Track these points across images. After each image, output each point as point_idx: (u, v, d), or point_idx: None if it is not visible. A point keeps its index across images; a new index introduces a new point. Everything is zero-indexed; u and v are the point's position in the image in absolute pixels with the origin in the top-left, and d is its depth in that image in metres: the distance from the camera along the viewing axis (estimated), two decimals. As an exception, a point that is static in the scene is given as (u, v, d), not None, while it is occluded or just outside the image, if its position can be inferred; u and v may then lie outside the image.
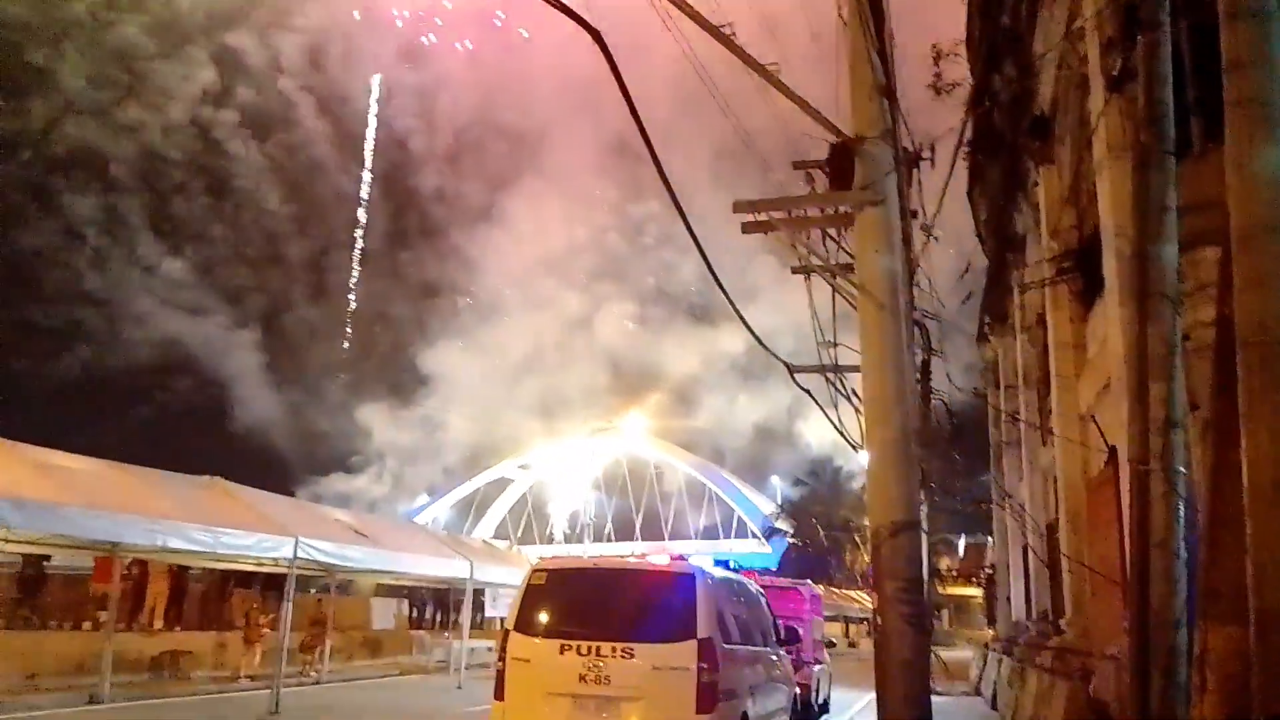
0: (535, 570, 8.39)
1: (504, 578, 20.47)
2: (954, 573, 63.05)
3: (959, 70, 14.51)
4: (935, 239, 10.78)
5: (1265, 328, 4.43)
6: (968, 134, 12.02)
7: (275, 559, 14.21)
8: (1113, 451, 7.97)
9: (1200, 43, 6.34)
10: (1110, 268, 7.41)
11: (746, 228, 7.82)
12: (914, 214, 11.65)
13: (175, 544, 12.56)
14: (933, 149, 10.41)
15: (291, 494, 35.67)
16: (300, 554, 13.79)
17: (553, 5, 6.25)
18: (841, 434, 10.12)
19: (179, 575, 20.29)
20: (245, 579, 21.25)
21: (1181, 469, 5.61)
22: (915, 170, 10.83)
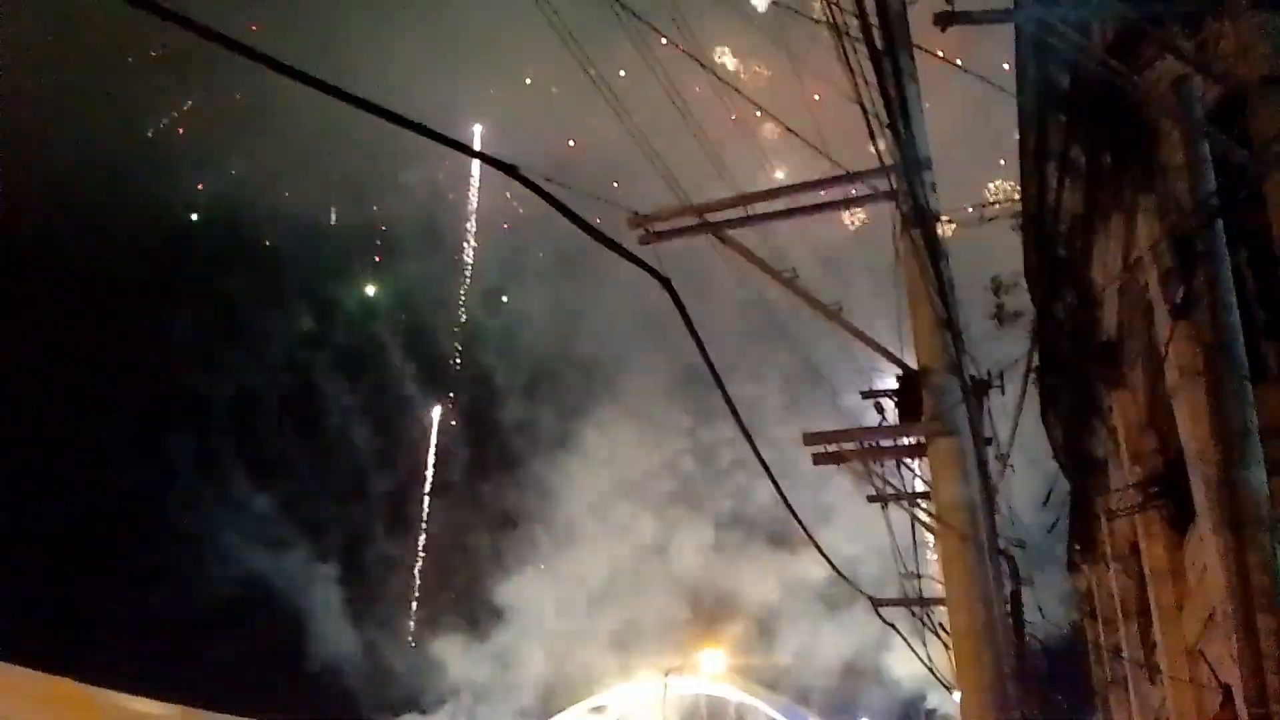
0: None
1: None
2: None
3: (1021, 299, 14.79)
4: (1012, 468, 10.60)
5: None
6: (1035, 361, 12.08)
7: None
8: (1227, 691, 7.39)
9: (1267, 265, 6.42)
10: (1199, 495, 7.16)
11: (818, 459, 7.82)
12: (988, 441, 11.54)
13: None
14: (1001, 377, 10.47)
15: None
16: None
17: (624, 256, 6.64)
18: (933, 673, 9.62)
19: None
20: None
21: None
22: (985, 398, 10.85)
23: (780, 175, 8.62)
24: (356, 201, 63.78)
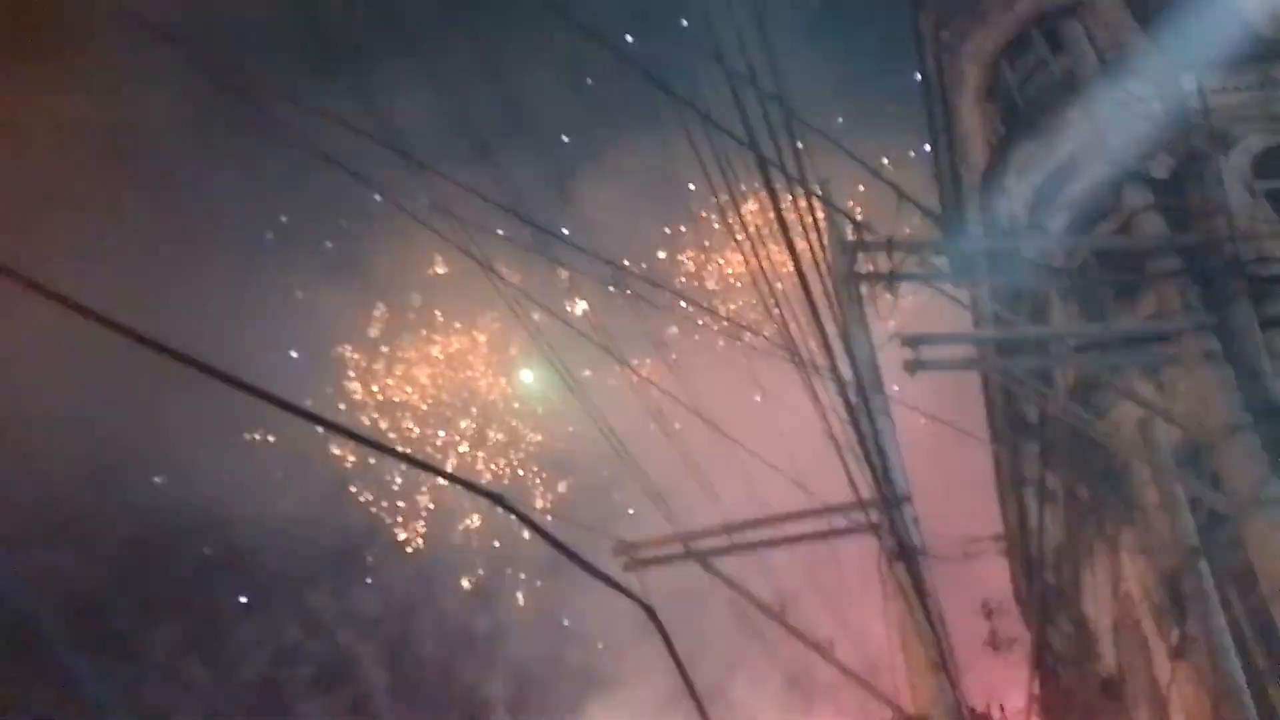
0: None
1: None
2: None
3: (1016, 624, 14.41)
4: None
5: None
6: (1036, 692, 11.59)
7: None
8: None
9: (1257, 611, 6.34)
10: None
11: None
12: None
13: None
14: (1002, 709, 9.99)
15: None
16: None
17: (608, 584, 6.54)
18: None
19: None
20: None
21: None
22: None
23: (770, 500, 8.71)
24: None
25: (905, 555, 6.24)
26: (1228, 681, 5.28)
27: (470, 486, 7.32)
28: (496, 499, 7.24)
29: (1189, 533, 5.73)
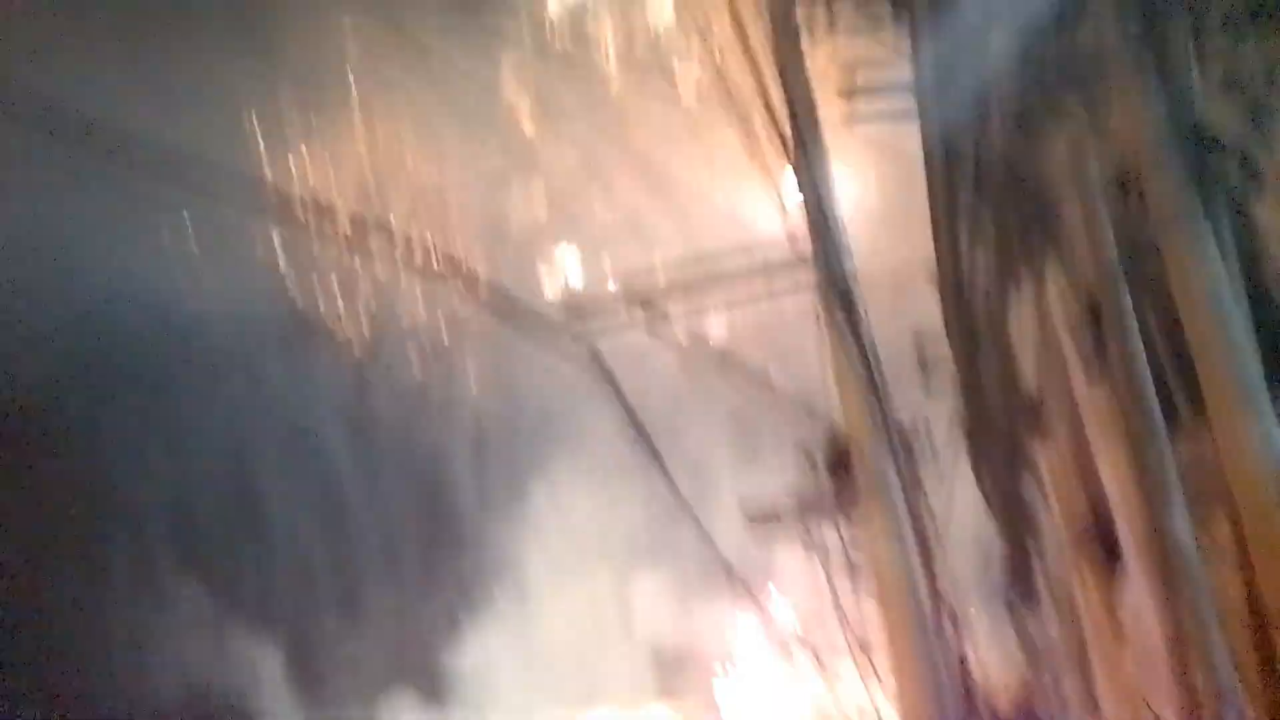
0: None
1: None
2: None
3: (945, 349, 15.11)
4: (941, 522, 10.78)
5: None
6: (961, 412, 12.35)
7: None
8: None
9: (1170, 316, 6.69)
10: (1127, 543, 7.38)
11: (752, 523, 7.92)
12: (920, 493, 11.70)
13: None
14: (930, 433, 10.66)
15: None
16: None
17: (552, 336, 6.69)
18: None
19: None
20: None
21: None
22: (912, 452, 11.02)
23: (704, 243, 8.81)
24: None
25: (838, 283, 6.43)
26: (1138, 390, 5.68)
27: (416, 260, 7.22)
28: (429, 250, 7.15)
29: (1111, 256, 5.95)
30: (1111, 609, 10.42)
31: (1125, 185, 5.95)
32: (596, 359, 6.77)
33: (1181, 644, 5.86)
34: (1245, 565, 5.01)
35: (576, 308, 7.64)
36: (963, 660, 14.89)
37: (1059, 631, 14.67)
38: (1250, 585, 5.04)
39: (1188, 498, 5.98)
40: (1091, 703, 12.82)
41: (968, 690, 15.14)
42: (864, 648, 9.74)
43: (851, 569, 9.13)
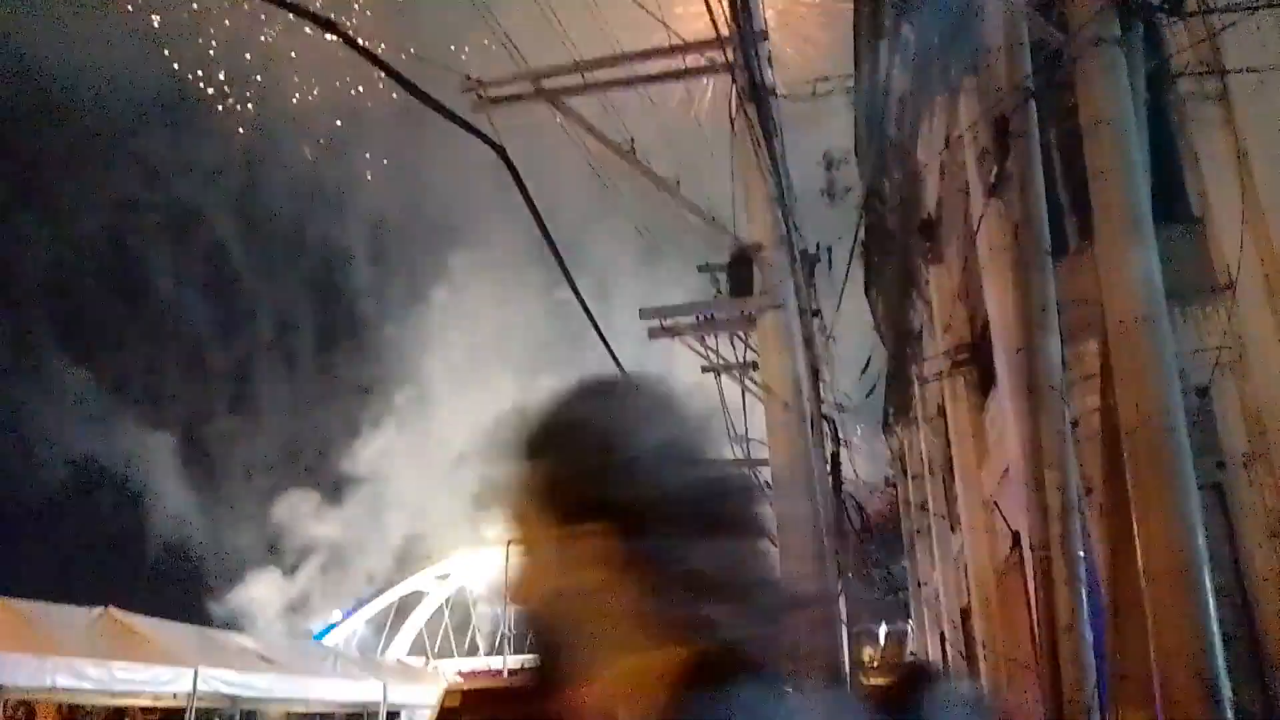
0: (449, 691, 8.14)
1: (419, 698, 19.63)
2: (874, 664, 62.92)
3: (853, 175, 15.24)
4: (833, 339, 11.14)
5: (1146, 416, 4.65)
6: (861, 236, 12.56)
7: (174, 693, 13.40)
8: (1016, 538, 8.18)
9: (1070, 147, 6.80)
10: (1000, 362, 7.74)
11: (653, 334, 7.97)
12: (816, 313, 12.01)
13: (65, 682, 11.83)
14: (829, 251, 10.83)
15: (208, 612, 33.94)
16: (201, 686, 13.06)
17: (460, 125, 6.40)
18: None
19: (70, 715, 18.92)
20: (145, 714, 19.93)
21: (1081, 554, 5.80)
22: (813, 272, 11.21)
23: (624, 41, 8.39)
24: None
25: (756, 93, 6.30)
26: (1031, 211, 5.81)
27: (308, 15, 6.70)
28: (332, 27, 6.67)
29: (1025, 73, 5.94)
30: (978, 425, 11.10)
31: (1047, 4, 5.88)
32: (502, 155, 6.52)
33: (1036, 460, 6.22)
34: (1108, 389, 5.25)
35: (481, 85, 7.30)
36: (835, 459, 15.85)
37: (928, 444, 15.66)
38: (1108, 405, 5.31)
39: (1063, 327, 6.24)
40: (953, 515, 13.89)
41: (836, 485, 16.19)
42: (748, 451, 10.17)
43: (744, 380, 9.42)
